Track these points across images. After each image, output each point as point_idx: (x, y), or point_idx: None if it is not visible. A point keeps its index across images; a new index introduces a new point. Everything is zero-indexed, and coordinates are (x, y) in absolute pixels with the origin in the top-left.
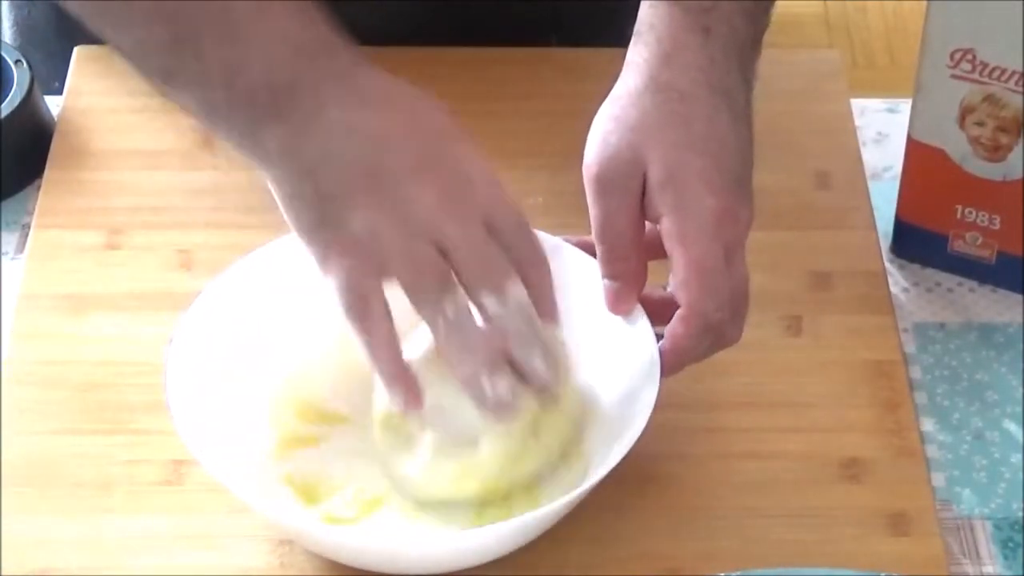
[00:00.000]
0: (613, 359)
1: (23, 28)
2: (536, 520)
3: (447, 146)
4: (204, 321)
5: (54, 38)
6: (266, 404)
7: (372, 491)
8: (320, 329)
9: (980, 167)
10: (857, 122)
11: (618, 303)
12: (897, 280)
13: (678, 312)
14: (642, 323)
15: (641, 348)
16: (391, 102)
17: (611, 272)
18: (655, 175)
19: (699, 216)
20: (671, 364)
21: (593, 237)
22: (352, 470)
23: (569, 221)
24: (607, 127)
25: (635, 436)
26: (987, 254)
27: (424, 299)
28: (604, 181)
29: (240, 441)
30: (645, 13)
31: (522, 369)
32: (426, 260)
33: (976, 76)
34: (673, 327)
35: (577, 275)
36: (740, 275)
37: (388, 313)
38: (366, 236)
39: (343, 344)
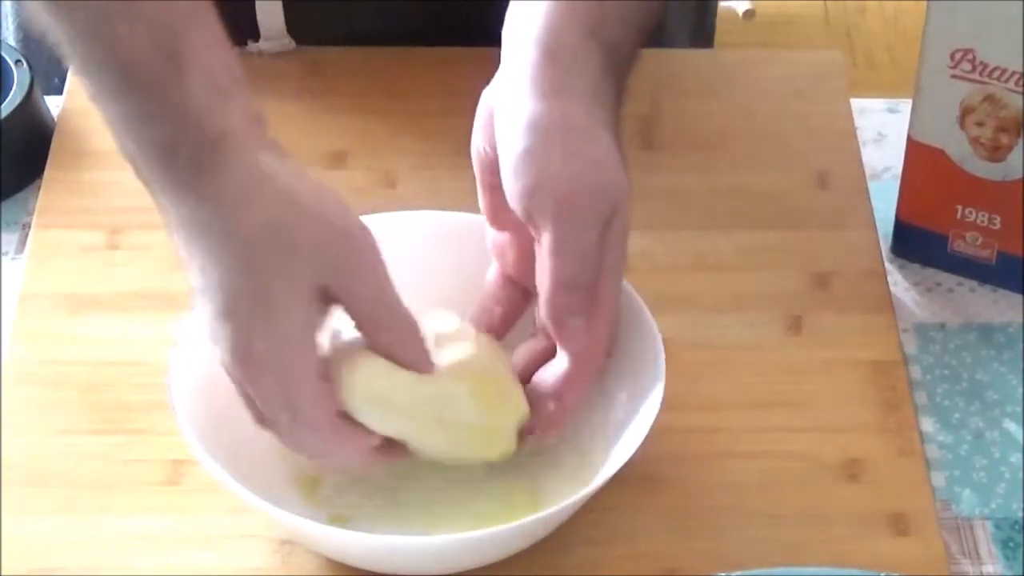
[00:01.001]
0: (617, 360)
1: (24, 23)
2: (539, 522)
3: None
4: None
5: None
6: None
7: (375, 492)
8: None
9: (980, 167)
10: (857, 122)
11: None
12: (897, 280)
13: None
14: (647, 323)
15: (646, 349)
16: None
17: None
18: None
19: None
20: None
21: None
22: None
23: None
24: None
25: (640, 438)
26: (987, 254)
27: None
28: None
29: (247, 442)
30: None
31: None
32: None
33: (976, 76)
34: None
35: None
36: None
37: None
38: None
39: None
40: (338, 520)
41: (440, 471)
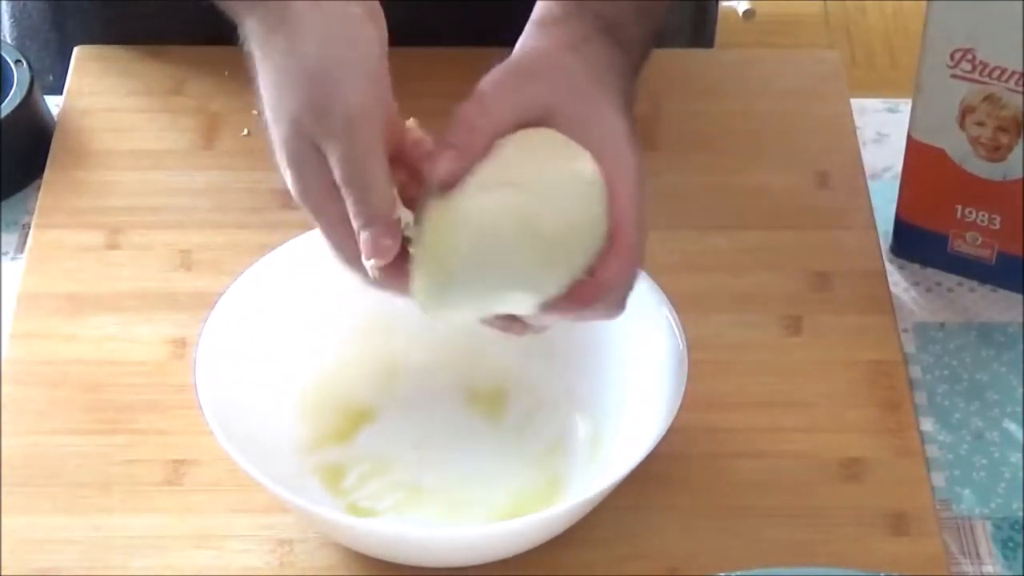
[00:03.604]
0: (638, 358)
1: (19, 20)
2: (562, 515)
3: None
4: (231, 319)
5: (49, 30)
6: (296, 400)
7: (397, 485)
8: (348, 325)
9: (980, 167)
10: (857, 122)
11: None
12: (897, 280)
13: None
14: (669, 322)
15: (668, 345)
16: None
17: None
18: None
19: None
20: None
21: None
22: (377, 463)
23: None
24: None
25: (660, 433)
26: (987, 254)
27: None
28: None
29: (269, 436)
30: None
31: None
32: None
33: (976, 76)
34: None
35: None
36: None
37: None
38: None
39: (371, 339)
40: (359, 511)
41: (461, 464)
